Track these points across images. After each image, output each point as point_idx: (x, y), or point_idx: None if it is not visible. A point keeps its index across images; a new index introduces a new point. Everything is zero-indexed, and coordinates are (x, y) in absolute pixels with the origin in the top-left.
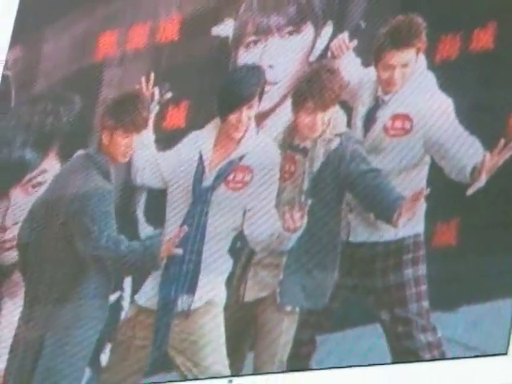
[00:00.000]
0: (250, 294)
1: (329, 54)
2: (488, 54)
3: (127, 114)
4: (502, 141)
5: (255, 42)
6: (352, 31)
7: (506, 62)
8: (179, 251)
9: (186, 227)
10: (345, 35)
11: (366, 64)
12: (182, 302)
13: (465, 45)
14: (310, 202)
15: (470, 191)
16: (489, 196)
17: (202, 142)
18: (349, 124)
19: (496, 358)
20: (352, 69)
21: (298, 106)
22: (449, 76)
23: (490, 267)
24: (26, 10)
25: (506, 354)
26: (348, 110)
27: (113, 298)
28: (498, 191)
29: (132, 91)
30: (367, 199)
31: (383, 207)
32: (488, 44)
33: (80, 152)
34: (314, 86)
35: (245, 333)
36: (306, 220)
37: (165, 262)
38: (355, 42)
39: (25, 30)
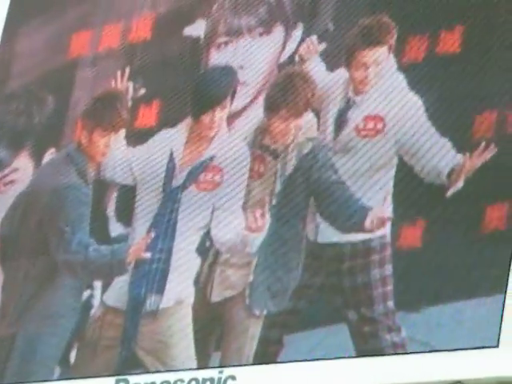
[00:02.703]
0: (217, 293)
1: (297, 58)
2: (454, 56)
3: (106, 113)
4: (483, 143)
5: (226, 43)
6: (320, 34)
7: (471, 64)
8: (146, 255)
9: (152, 233)
10: (313, 38)
11: (332, 67)
12: (150, 302)
13: (432, 47)
14: (274, 203)
15: (449, 193)
16: (458, 198)
17: (173, 139)
18: (319, 128)
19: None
20: (318, 73)
21: (271, 112)
22: (416, 77)
23: (454, 269)
24: None
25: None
26: (317, 113)
27: (84, 296)
28: (470, 193)
29: (110, 90)
30: (332, 210)
31: (351, 219)
32: (454, 47)
33: (61, 152)
34: (288, 94)
35: (212, 332)
36: (269, 220)
37: (133, 262)
38: (323, 45)
39: None
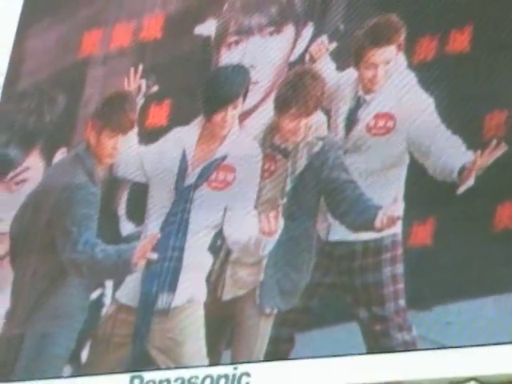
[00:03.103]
0: (228, 292)
1: (307, 57)
2: (464, 55)
3: (114, 114)
4: (494, 141)
5: (237, 42)
6: (331, 34)
7: (480, 63)
8: (153, 256)
9: (159, 233)
10: (324, 38)
11: (342, 67)
12: (162, 300)
13: (441, 46)
14: (284, 201)
15: (460, 190)
16: (469, 195)
17: (185, 138)
18: (329, 127)
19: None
20: (328, 72)
21: (281, 110)
22: (426, 76)
23: (465, 267)
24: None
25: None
26: (327, 112)
27: (94, 295)
28: (481, 191)
29: (120, 92)
30: (343, 209)
31: (361, 218)
32: (464, 46)
33: (71, 152)
34: (298, 92)
35: (223, 331)
36: (282, 223)
37: (144, 261)
38: (334, 45)
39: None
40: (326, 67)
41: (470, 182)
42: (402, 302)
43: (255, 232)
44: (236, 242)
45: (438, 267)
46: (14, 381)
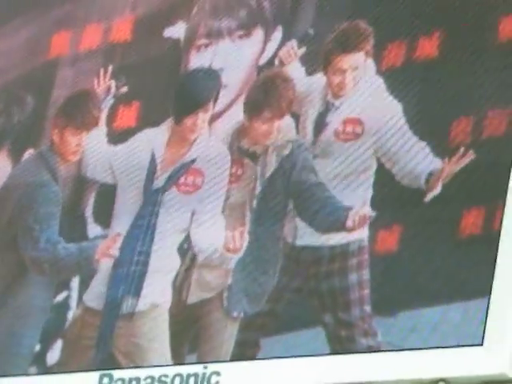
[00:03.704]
0: (194, 295)
1: (276, 61)
2: (432, 61)
3: (78, 112)
4: (462, 149)
5: (206, 45)
6: (300, 38)
7: (449, 70)
8: (115, 253)
9: (120, 234)
10: (293, 43)
11: (311, 71)
12: (127, 304)
13: (410, 52)
14: (254, 204)
15: (427, 198)
16: (436, 202)
17: (154, 140)
18: (298, 130)
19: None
20: (298, 76)
21: (252, 113)
22: (395, 82)
23: (431, 274)
24: None
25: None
26: (296, 116)
27: (60, 297)
28: (447, 198)
29: (83, 89)
30: (311, 211)
31: (331, 219)
32: (432, 52)
33: (34, 150)
34: (270, 95)
35: (188, 334)
36: (247, 239)
37: (113, 262)
38: (303, 50)
39: None
40: (296, 71)
41: (437, 189)
42: (367, 308)
43: (220, 243)
44: (202, 250)
45: (404, 273)
46: None
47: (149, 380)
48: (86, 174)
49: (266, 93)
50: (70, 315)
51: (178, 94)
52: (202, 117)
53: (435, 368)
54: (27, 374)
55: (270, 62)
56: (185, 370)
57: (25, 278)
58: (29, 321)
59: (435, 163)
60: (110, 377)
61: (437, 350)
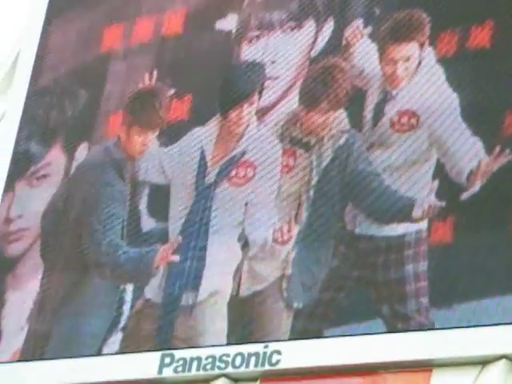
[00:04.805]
0: (246, 287)
1: (343, 42)
2: (485, 51)
3: (144, 111)
4: (498, 147)
5: (258, 37)
6: (366, 18)
7: (501, 59)
8: (175, 258)
9: (180, 237)
10: (359, 22)
11: (383, 48)
12: (186, 298)
13: (462, 41)
14: (311, 193)
15: (464, 196)
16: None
17: (203, 138)
18: (356, 119)
19: None
20: (367, 54)
21: (309, 105)
22: (451, 72)
23: (487, 266)
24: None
25: None
26: (358, 101)
27: (118, 293)
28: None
29: (149, 88)
30: (370, 201)
31: (396, 208)
32: (484, 42)
33: (101, 145)
34: (328, 86)
35: (244, 325)
36: (296, 231)
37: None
38: (369, 29)
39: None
40: (364, 49)
41: (475, 188)
42: (424, 300)
43: (270, 235)
44: (254, 242)
45: (460, 265)
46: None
47: (210, 359)
48: (139, 177)
49: (324, 84)
50: (127, 308)
51: (223, 89)
52: (247, 109)
53: (498, 345)
54: (95, 355)
55: (327, 51)
56: (245, 349)
57: (88, 278)
58: (91, 321)
59: (479, 159)
60: (172, 357)
61: (498, 326)
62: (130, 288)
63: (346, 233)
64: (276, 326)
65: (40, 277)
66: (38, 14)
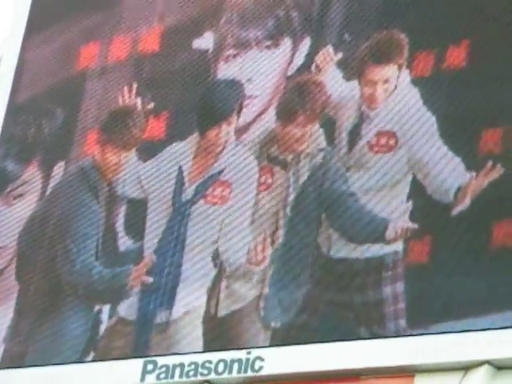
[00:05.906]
0: (224, 307)
1: (313, 67)
2: (461, 70)
3: (118, 130)
4: (490, 162)
5: (234, 56)
6: (336, 44)
7: (476, 78)
8: (149, 279)
9: (154, 256)
10: (329, 48)
11: (348, 77)
12: (160, 315)
13: (439, 61)
14: (287, 211)
15: (454, 212)
16: (466, 215)
17: (181, 154)
18: (332, 139)
19: None
20: (335, 82)
21: (286, 119)
22: (427, 93)
23: (464, 285)
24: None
25: None
26: (331, 124)
27: (93, 313)
28: (478, 210)
29: (124, 107)
30: (344, 221)
31: (370, 229)
32: (460, 61)
33: (77, 165)
34: (305, 100)
35: (220, 344)
36: (269, 252)
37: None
38: (340, 55)
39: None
40: (334, 76)
41: (466, 203)
42: (402, 322)
43: (245, 264)
44: (230, 262)
45: (437, 286)
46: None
47: (193, 366)
48: (117, 192)
49: (301, 99)
50: (103, 328)
51: (201, 108)
52: (226, 129)
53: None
54: (76, 362)
55: (302, 69)
56: (228, 355)
57: (62, 299)
58: (67, 339)
59: (465, 177)
60: (155, 363)
61: (481, 332)
62: (106, 308)
63: (320, 253)
64: (253, 332)
65: (15, 298)
66: (15, 34)
